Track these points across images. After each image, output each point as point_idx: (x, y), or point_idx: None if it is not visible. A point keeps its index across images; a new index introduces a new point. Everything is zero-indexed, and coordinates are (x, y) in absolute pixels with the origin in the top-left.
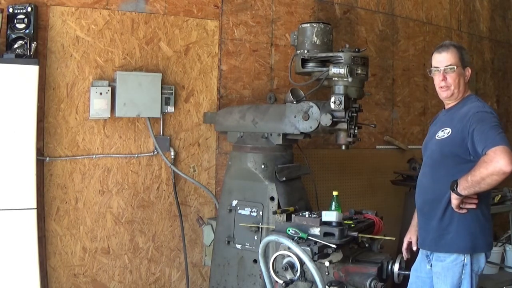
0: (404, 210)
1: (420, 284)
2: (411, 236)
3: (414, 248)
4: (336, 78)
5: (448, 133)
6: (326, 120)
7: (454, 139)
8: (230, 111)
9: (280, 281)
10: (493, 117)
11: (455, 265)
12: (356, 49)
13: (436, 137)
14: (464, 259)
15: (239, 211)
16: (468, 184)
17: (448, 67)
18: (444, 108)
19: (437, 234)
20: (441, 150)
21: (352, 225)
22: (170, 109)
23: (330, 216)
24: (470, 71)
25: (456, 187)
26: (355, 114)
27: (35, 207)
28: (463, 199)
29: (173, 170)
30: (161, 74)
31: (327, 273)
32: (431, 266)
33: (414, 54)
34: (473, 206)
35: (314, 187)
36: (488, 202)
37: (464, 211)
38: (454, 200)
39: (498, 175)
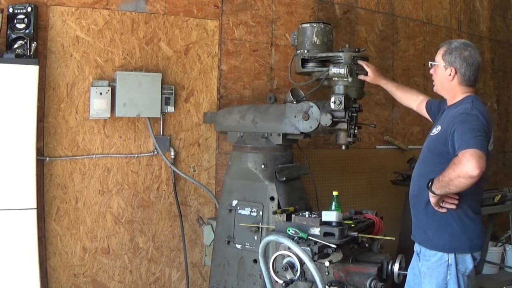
0: (404, 210)
1: (417, 282)
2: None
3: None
4: (336, 78)
5: (438, 130)
6: (326, 120)
7: (441, 137)
8: (230, 111)
9: (280, 281)
10: (476, 119)
11: (439, 265)
12: (356, 49)
13: (431, 134)
14: (448, 259)
15: (239, 211)
16: (440, 184)
17: (431, 63)
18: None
19: (422, 228)
20: (429, 146)
21: (352, 225)
22: (170, 109)
23: (330, 216)
24: (453, 71)
25: (431, 186)
26: (355, 114)
27: (35, 207)
28: (444, 198)
29: (173, 170)
30: (161, 74)
31: (327, 273)
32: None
33: (414, 54)
34: (453, 207)
35: (314, 187)
36: (474, 203)
37: (443, 210)
38: (431, 198)
39: (465, 178)
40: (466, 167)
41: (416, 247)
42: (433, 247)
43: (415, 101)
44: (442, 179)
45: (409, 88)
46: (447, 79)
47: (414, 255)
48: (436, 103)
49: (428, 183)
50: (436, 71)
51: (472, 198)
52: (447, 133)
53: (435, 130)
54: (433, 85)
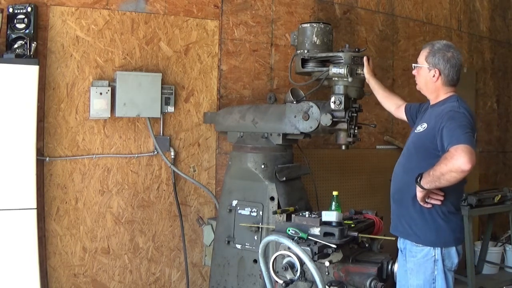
0: None
1: (407, 278)
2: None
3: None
4: (336, 78)
5: (424, 128)
6: (326, 120)
7: (427, 134)
8: (230, 111)
9: (280, 281)
10: (464, 117)
11: (426, 260)
12: (356, 49)
13: (415, 131)
14: (434, 255)
15: (239, 211)
16: (430, 178)
17: (414, 65)
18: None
19: (407, 223)
20: (415, 143)
21: (352, 225)
22: (170, 109)
23: (330, 216)
24: (437, 73)
25: (420, 180)
26: (355, 114)
27: (35, 207)
28: (429, 194)
29: (173, 170)
30: (161, 74)
31: (327, 273)
32: (405, 260)
33: (414, 54)
34: (438, 202)
35: (314, 187)
36: (456, 200)
37: (429, 205)
38: (418, 192)
39: (457, 172)
40: (459, 161)
41: (400, 244)
42: (421, 242)
43: (394, 104)
44: (433, 173)
45: (392, 92)
46: (431, 80)
47: (399, 252)
48: (416, 105)
49: (417, 178)
50: (419, 72)
51: (455, 195)
52: (435, 130)
53: (420, 128)
54: (417, 84)
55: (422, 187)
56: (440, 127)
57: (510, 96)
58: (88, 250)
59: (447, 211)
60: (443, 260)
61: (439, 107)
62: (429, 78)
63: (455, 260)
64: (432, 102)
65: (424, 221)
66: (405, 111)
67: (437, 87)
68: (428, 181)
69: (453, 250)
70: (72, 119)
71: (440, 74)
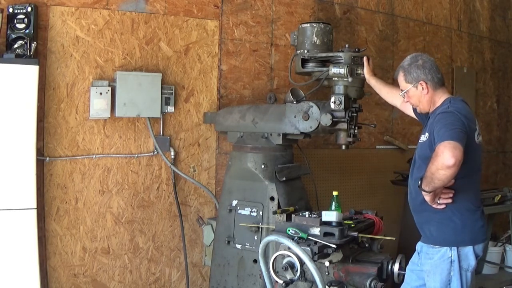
0: (404, 210)
1: (414, 278)
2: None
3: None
4: (336, 78)
5: (426, 137)
6: (326, 120)
7: (427, 143)
8: (230, 111)
9: (280, 281)
10: (452, 115)
11: (442, 261)
12: (356, 49)
13: (419, 141)
14: (451, 255)
15: (239, 211)
16: (426, 180)
17: (401, 94)
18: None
19: (427, 228)
20: (420, 153)
21: (352, 225)
22: (170, 109)
23: (330, 216)
24: (423, 84)
25: (421, 184)
26: (355, 114)
27: (35, 207)
28: (438, 194)
29: (173, 170)
30: (161, 74)
31: (327, 273)
32: (421, 263)
33: None
34: (449, 201)
35: (314, 187)
36: (473, 197)
37: (441, 206)
38: (425, 196)
39: (443, 169)
40: (442, 158)
41: (418, 246)
42: (436, 242)
43: (400, 98)
44: (426, 175)
45: (395, 87)
46: (423, 94)
47: (415, 253)
48: None
49: (418, 182)
50: (409, 95)
51: (469, 192)
52: (431, 137)
53: (423, 137)
54: (415, 109)
55: (424, 190)
56: (432, 132)
57: (510, 96)
58: (88, 250)
59: (464, 208)
60: (459, 261)
61: (434, 114)
62: (420, 94)
63: (472, 262)
64: (431, 110)
65: (438, 221)
66: (413, 109)
67: (430, 97)
68: (426, 184)
69: (470, 250)
70: (72, 119)
71: (426, 83)
